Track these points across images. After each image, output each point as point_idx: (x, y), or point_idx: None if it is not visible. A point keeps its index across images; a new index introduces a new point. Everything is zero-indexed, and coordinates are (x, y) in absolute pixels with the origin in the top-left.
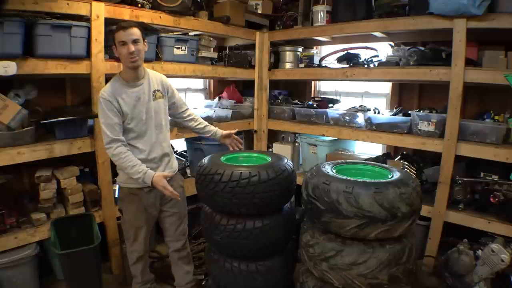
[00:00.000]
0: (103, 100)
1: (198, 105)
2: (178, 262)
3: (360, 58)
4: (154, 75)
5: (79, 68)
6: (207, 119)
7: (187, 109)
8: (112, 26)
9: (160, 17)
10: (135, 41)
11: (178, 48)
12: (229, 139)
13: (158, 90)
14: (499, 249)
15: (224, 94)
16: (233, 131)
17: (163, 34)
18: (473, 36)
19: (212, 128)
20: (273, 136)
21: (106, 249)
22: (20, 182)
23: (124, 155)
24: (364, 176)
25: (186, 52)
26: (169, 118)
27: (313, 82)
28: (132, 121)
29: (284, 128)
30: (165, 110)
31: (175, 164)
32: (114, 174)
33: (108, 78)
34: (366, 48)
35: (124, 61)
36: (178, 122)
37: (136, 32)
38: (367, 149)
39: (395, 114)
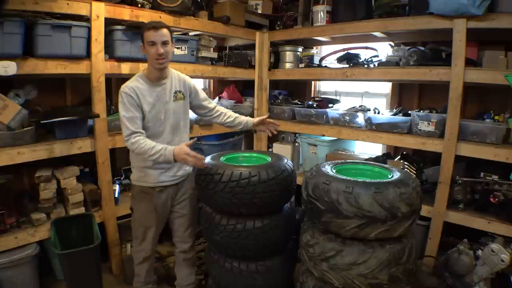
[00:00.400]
0: (125, 95)
1: None
2: (183, 263)
3: (360, 58)
4: (177, 75)
5: (79, 68)
6: None
7: (214, 106)
8: (114, 26)
9: (160, 17)
10: (164, 43)
11: (178, 48)
12: (264, 125)
13: (179, 91)
14: (499, 249)
15: (224, 94)
16: (265, 116)
17: None
18: (473, 36)
19: (242, 118)
20: (273, 136)
21: (106, 249)
22: (20, 182)
23: (142, 141)
24: (364, 176)
25: (186, 52)
26: (197, 116)
27: (313, 82)
28: (150, 120)
29: (284, 128)
30: (185, 111)
31: (189, 166)
32: (114, 174)
33: (108, 78)
34: (366, 48)
35: (151, 61)
36: (207, 120)
37: (166, 34)
38: (367, 149)
39: (395, 114)
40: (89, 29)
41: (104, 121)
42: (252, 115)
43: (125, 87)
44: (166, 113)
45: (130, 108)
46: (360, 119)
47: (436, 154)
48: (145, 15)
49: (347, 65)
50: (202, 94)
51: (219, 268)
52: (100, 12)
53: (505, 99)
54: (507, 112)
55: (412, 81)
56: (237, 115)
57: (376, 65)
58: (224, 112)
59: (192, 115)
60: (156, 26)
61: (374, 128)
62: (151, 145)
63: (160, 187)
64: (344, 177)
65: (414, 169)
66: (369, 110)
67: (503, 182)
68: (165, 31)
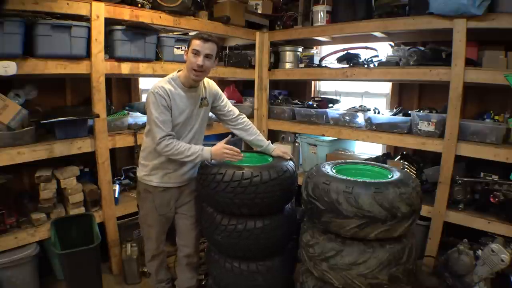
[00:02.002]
0: (158, 96)
1: None
2: (186, 267)
3: (360, 58)
4: (206, 82)
5: (79, 68)
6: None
7: (237, 117)
8: (114, 26)
9: (160, 17)
10: (207, 56)
11: (178, 48)
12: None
13: (205, 98)
14: (499, 249)
15: (224, 94)
16: (287, 158)
17: (163, 34)
18: (473, 36)
19: (263, 142)
20: (273, 136)
21: (106, 249)
22: (20, 182)
23: (176, 143)
24: (364, 176)
25: None
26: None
27: (313, 82)
28: (176, 125)
29: (284, 128)
30: (205, 118)
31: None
32: (114, 174)
33: (108, 78)
34: (366, 48)
35: (189, 69)
36: (230, 128)
37: (213, 48)
38: (367, 149)
39: (395, 114)
40: (89, 29)
41: (104, 121)
42: (252, 115)
43: (158, 88)
44: (192, 119)
45: (163, 111)
46: (360, 119)
47: (436, 154)
48: (145, 15)
49: (347, 65)
50: (225, 102)
51: (219, 268)
52: (100, 12)
53: (505, 99)
54: (507, 112)
55: (412, 81)
56: (258, 134)
57: (376, 65)
58: (246, 128)
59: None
60: (206, 38)
61: (374, 128)
62: (186, 146)
63: (162, 187)
64: (344, 177)
65: (414, 169)
66: (369, 110)
67: (503, 182)
68: (213, 45)
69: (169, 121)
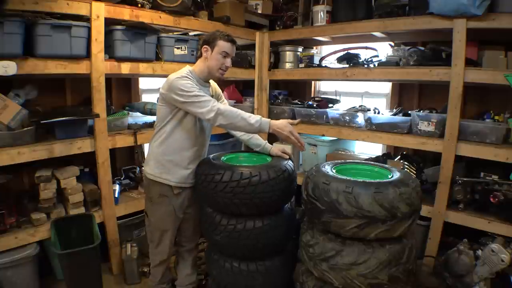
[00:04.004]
0: (185, 79)
1: None
2: (186, 262)
3: (360, 58)
4: (211, 82)
5: (79, 68)
6: None
7: None
8: (114, 26)
9: (160, 17)
10: (232, 58)
11: (178, 48)
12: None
13: (213, 96)
14: (499, 249)
15: (224, 94)
16: (286, 157)
17: (163, 34)
18: (473, 36)
19: (260, 142)
20: (273, 136)
21: (106, 249)
22: (20, 182)
23: (227, 106)
24: (364, 176)
25: (186, 52)
26: None
27: (313, 82)
28: (190, 117)
29: None
30: None
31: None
32: (114, 174)
33: (108, 78)
34: (366, 48)
35: (214, 68)
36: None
37: (235, 50)
38: (367, 149)
39: (395, 114)
40: (89, 29)
41: (104, 121)
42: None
43: (180, 76)
44: None
45: (194, 85)
46: (360, 119)
47: (436, 154)
48: (145, 15)
49: (347, 65)
50: (224, 102)
51: (219, 268)
52: (100, 12)
53: (505, 99)
54: (507, 112)
55: (412, 81)
56: (256, 136)
57: (376, 65)
58: None
59: None
60: (233, 40)
61: (374, 128)
62: (243, 111)
63: (179, 188)
64: (344, 177)
65: (414, 169)
66: (369, 110)
67: (503, 182)
68: (235, 47)
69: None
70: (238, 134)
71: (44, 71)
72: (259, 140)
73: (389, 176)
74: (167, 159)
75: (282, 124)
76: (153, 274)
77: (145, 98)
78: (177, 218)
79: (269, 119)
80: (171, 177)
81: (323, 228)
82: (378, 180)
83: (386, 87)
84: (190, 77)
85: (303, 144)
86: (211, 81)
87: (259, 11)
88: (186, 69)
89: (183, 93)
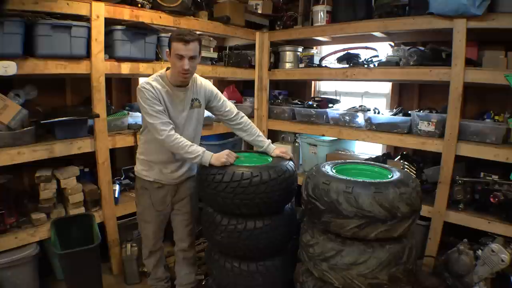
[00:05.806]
0: (146, 90)
1: None
2: (183, 262)
3: (360, 58)
4: (199, 82)
5: (79, 68)
6: (207, 118)
7: (235, 117)
8: (114, 26)
9: (160, 17)
10: (192, 58)
11: None
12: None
13: (196, 99)
14: (499, 249)
15: (224, 94)
16: (287, 157)
17: (163, 34)
18: (473, 36)
19: (263, 143)
20: (273, 136)
21: (106, 249)
22: (20, 182)
23: (178, 136)
24: (364, 176)
25: None
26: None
27: (313, 82)
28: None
29: (284, 128)
30: (199, 119)
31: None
32: (114, 174)
33: (108, 78)
34: (366, 48)
35: (175, 73)
36: (230, 128)
37: (196, 48)
38: (367, 149)
39: (395, 114)
40: (89, 29)
41: (104, 121)
42: (252, 115)
43: (145, 84)
44: (180, 120)
45: (156, 102)
46: (360, 119)
47: (436, 154)
48: (145, 15)
49: (347, 65)
50: (223, 102)
51: (219, 268)
52: (100, 12)
53: (505, 99)
54: (507, 112)
55: (412, 81)
56: (258, 134)
57: (376, 65)
58: (246, 128)
59: (206, 113)
60: (187, 39)
61: (374, 128)
62: (188, 143)
63: (158, 183)
64: (344, 177)
65: (414, 169)
66: (369, 110)
67: (503, 182)
68: (195, 45)
69: (163, 111)
70: (241, 134)
71: (44, 71)
72: (262, 141)
73: (389, 176)
74: (146, 159)
75: (217, 155)
76: (146, 266)
77: None
78: (160, 213)
79: (211, 155)
80: (150, 174)
81: (323, 228)
82: (378, 180)
83: (386, 87)
84: (154, 85)
85: (233, 156)
86: (203, 81)
87: (259, 11)
88: (160, 72)
89: (141, 107)
